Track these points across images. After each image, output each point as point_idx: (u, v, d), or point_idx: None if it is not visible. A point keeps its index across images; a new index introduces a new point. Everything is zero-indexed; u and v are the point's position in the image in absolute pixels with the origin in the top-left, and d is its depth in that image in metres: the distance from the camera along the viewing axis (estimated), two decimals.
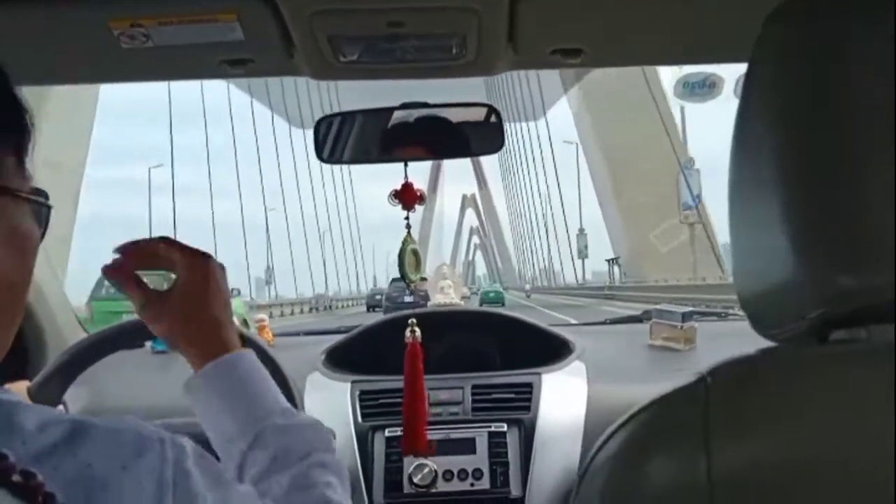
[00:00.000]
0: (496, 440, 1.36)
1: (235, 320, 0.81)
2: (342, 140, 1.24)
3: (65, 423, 0.46)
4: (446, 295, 2.47)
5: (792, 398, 0.48)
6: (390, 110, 1.22)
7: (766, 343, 0.55)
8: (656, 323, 1.65)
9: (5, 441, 0.43)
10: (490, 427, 1.37)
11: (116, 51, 0.97)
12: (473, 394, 1.43)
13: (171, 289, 0.76)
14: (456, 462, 1.34)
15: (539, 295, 53.97)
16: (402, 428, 1.35)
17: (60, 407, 1.20)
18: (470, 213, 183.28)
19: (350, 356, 1.56)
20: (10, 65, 0.53)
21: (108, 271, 0.77)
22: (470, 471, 1.33)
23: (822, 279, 0.48)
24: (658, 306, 1.71)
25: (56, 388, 1.19)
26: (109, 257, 0.77)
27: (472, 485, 1.33)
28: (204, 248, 0.78)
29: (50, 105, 19.90)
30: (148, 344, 1.48)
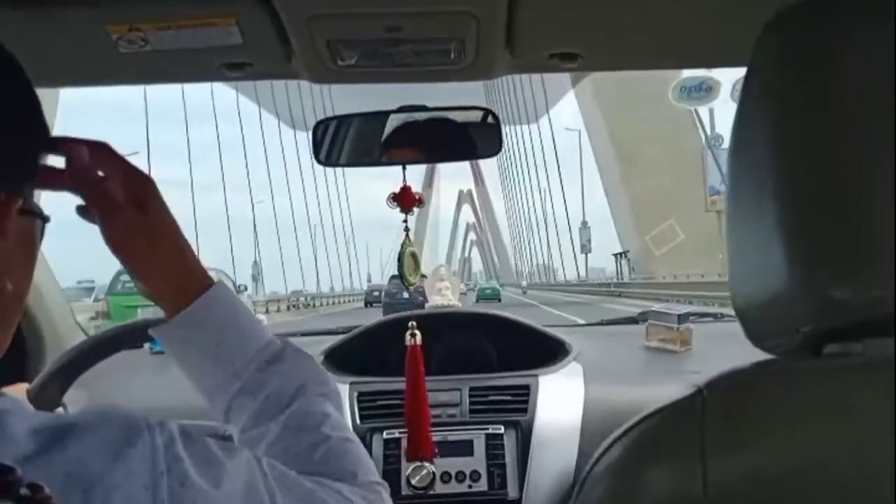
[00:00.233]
0: (493, 442, 1.36)
1: None
2: (340, 143, 1.25)
3: (53, 425, 0.46)
4: (444, 297, 2.47)
5: (787, 411, 0.49)
6: (388, 113, 1.22)
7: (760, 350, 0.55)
8: (652, 324, 1.66)
9: None
10: (487, 429, 1.38)
11: (114, 55, 0.97)
12: (471, 396, 1.43)
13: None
14: (454, 464, 1.35)
15: (537, 291, 53.28)
16: (400, 430, 1.36)
17: (60, 409, 1.20)
18: (466, 208, 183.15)
19: (348, 357, 1.56)
20: None
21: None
22: (468, 473, 1.34)
23: (818, 292, 0.48)
24: (654, 307, 1.71)
25: (55, 391, 1.19)
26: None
27: (469, 486, 1.33)
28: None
29: None
30: (146, 345, 1.49)
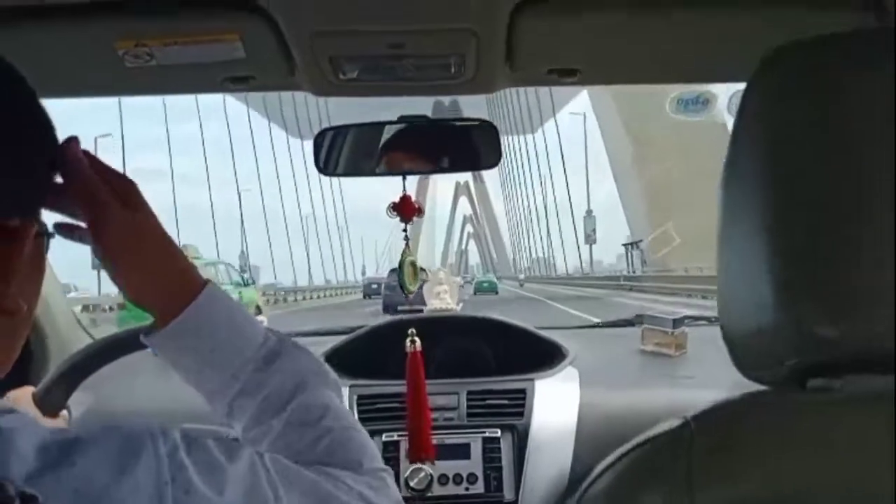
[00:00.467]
0: (490, 446, 1.38)
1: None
2: (341, 152, 1.27)
3: (60, 441, 0.47)
4: (442, 300, 2.49)
5: (772, 444, 0.50)
6: (389, 124, 1.24)
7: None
8: (647, 329, 1.67)
9: (6, 467, 0.45)
10: (484, 433, 1.40)
11: (120, 68, 0.98)
12: (469, 399, 1.45)
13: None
14: (451, 467, 1.37)
15: (535, 285, 52.03)
16: (399, 433, 1.38)
17: (64, 412, 1.22)
18: (463, 200, 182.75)
19: (348, 360, 1.58)
20: None
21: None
22: (465, 475, 1.36)
23: (803, 327, 0.50)
24: (649, 312, 1.72)
25: (60, 394, 1.21)
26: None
27: (466, 489, 1.36)
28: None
29: None
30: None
